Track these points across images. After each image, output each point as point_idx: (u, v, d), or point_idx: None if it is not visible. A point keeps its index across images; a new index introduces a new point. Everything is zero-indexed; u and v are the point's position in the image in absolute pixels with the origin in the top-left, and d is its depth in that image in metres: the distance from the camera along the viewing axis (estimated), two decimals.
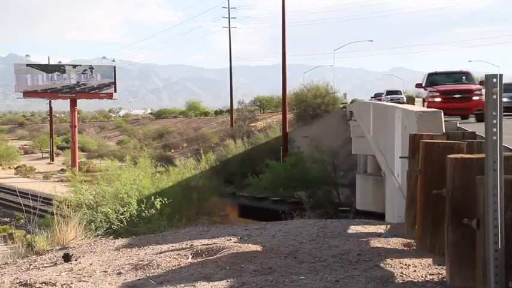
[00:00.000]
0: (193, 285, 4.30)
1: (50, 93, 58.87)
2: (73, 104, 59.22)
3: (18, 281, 4.94)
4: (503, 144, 3.11)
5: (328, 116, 55.19)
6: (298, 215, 22.27)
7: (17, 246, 7.60)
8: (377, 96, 51.67)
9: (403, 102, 30.64)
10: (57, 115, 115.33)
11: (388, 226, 6.85)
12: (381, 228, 6.66)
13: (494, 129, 2.99)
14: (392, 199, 11.22)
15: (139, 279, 4.77)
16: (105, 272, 5.17)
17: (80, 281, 4.84)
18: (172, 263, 5.26)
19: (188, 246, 6.09)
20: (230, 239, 6.39)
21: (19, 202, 26.78)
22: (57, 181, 47.17)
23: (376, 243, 5.50)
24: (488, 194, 3.02)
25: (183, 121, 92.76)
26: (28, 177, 55.06)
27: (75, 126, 59.67)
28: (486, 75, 3.05)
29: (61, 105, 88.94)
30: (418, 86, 18.90)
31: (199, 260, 5.32)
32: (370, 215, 20.43)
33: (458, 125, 9.68)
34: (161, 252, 5.81)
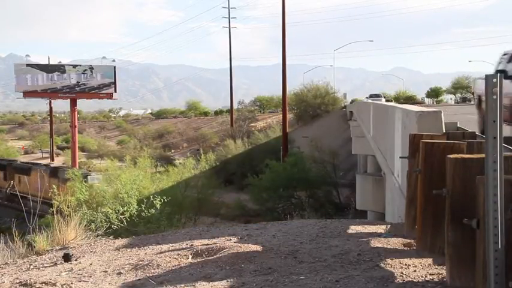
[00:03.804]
0: (193, 285, 4.30)
1: (50, 93, 58.81)
2: (73, 104, 59.17)
3: (18, 281, 4.94)
4: (503, 144, 3.11)
5: (328, 116, 55.21)
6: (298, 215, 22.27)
7: (17, 246, 7.60)
8: None
9: None
10: (57, 115, 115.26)
11: (388, 226, 6.85)
12: (381, 228, 6.66)
13: (495, 129, 2.99)
14: (393, 199, 11.22)
15: (139, 279, 4.77)
16: (105, 272, 5.17)
17: (80, 281, 4.84)
18: (172, 263, 5.25)
19: (188, 246, 6.09)
20: (230, 239, 6.39)
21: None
22: None
23: (376, 243, 5.50)
24: (488, 194, 3.02)
25: (183, 121, 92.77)
26: None
27: (75, 126, 59.61)
28: (486, 75, 3.05)
29: (61, 105, 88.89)
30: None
31: (199, 260, 5.32)
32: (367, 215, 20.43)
33: (458, 125, 9.68)
34: (161, 252, 5.81)
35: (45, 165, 44.68)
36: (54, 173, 38.23)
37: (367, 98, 54.48)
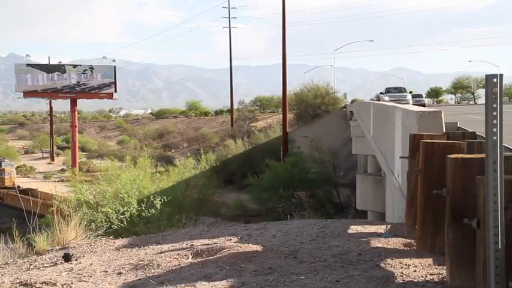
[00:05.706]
0: (194, 285, 4.30)
1: (50, 93, 58.85)
2: (73, 104, 59.18)
3: (18, 280, 4.94)
4: (503, 144, 3.11)
5: (328, 116, 55.22)
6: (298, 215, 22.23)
7: (17, 246, 7.60)
8: None
9: None
10: (57, 115, 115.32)
11: (389, 226, 6.84)
12: (381, 228, 6.65)
13: (494, 129, 2.98)
14: (393, 199, 11.21)
15: (139, 279, 4.77)
16: (106, 272, 5.17)
17: (80, 281, 4.84)
18: (173, 263, 5.26)
19: (188, 246, 6.09)
20: (230, 239, 6.39)
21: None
22: (58, 181, 47.26)
23: (376, 243, 5.50)
24: (489, 194, 3.02)
25: (183, 121, 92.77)
26: (28, 177, 55.21)
27: (75, 126, 59.63)
28: (486, 75, 3.05)
29: (61, 105, 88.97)
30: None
31: (199, 260, 5.32)
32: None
33: (458, 125, 9.68)
34: (161, 252, 5.81)
35: None
36: None
37: (381, 93, 40.33)
